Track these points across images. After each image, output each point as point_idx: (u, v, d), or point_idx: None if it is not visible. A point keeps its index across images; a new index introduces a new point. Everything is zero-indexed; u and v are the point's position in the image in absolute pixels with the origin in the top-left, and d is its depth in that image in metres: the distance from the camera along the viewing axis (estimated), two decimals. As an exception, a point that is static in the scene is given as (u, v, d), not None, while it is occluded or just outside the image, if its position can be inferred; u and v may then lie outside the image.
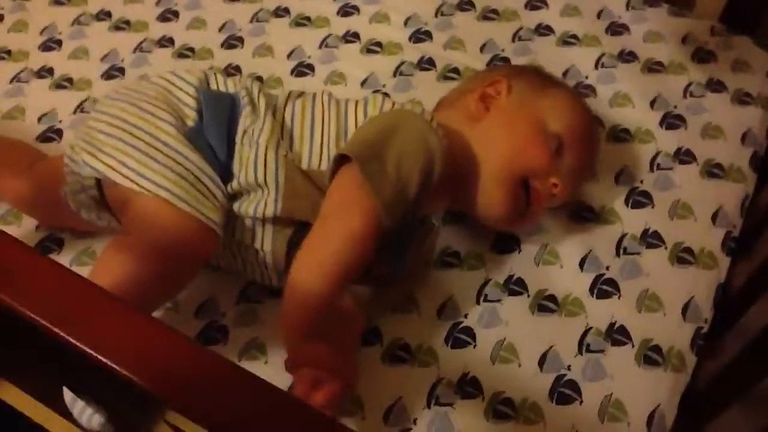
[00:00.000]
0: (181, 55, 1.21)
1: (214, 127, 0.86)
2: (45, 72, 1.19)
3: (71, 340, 0.45)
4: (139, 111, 0.86)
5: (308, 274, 0.79)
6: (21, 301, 0.47)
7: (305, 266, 0.80)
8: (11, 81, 1.18)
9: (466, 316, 0.93)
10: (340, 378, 0.77)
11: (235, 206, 0.86)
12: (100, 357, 0.45)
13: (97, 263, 0.85)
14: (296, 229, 0.86)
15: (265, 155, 0.86)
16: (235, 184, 0.86)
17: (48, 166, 0.95)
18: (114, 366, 0.44)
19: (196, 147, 0.84)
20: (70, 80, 1.18)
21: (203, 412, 0.44)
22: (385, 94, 1.14)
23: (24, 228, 0.99)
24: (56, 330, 0.46)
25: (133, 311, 0.48)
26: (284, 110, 0.92)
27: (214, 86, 0.93)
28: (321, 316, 0.78)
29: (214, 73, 0.94)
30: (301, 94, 0.95)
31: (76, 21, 1.26)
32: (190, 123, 0.86)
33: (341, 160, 0.84)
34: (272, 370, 0.87)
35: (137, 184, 0.80)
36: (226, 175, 0.86)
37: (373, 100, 0.94)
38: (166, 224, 0.79)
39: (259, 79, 1.17)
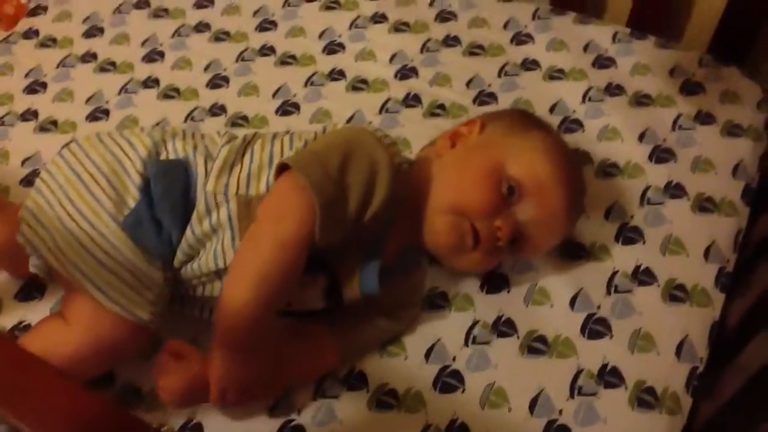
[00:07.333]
0: (166, 96, 1.20)
1: (165, 202, 0.84)
2: (29, 115, 1.18)
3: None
4: (82, 188, 0.85)
5: (235, 285, 0.78)
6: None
7: (233, 276, 0.79)
8: (-5, 124, 1.18)
9: (454, 359, 0.91)
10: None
11: (195, 266, 0.85)
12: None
13: (33, 340, 0.85)
14: None
15: (215, 198, 0.85)
16: (191, 239, 0.84)
17: (13, 214, 0.93)
18: None
19: (133, 236, 0.83)
20: (54, 123, 1.17)
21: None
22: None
23: (5, 274, 0.98)
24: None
25: (63, 378, 0.47)
26: (243, 153, 0.89)
27: (163, 153, 0.89)
28: (250, 329, 0.77)
29: (162, 137, 0.91)
30: (260, 135, 0.94)
31: (62, 63, 1.26)
32: (131, 202, 0.85)
33: (284, 170, 0.83)
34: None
35: (71, 274, 0.81)
36: (177, 244, 0.85)
37: (332, 127, 0.94)
38: (98, 319, 0.81)
39: (242, 119, 1.16)
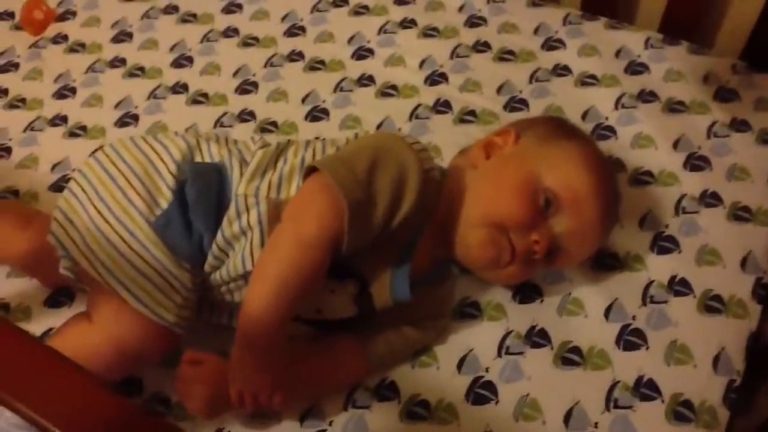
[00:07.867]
0: (195, 102, 1.20)
1: (199, 205, 0.85)
2: (59, 120, 1.19)
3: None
4: (115, 188, 0.85)
5: (254, 284, 0.78)
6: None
7: (254, 275, 0.79)
8: (25, 130, 1.18)
9: (487, 370, 0.89)
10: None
11: (223, 272, 0.85)
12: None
13: (56, 338, 0.86)
14: None
15: (246, 200, 0.84)
16: (221, 242, 0.84)
17: (44, 223, 0.92)
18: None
19: (164, 237, 0.83)
20: (83, 128, 1.17)
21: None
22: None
23: (34, 282, 0.98)
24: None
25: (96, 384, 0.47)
26: (277, 158, 0.89)
27: (198, 157, 0.89)
28: (267, 327, 0.76)
29: (197, 141, 0.91)
30: (294, 142, 0.94)
31: (90, 68, 1.26)
32: (164, 204, 0.85)
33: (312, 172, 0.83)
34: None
35: (99, 273, 0.81)
36: (208, 248, 0.85)
37: (363, 134, 0.92)
38: (122, 319, 0.81)
39: (271, 125, 1.15)
